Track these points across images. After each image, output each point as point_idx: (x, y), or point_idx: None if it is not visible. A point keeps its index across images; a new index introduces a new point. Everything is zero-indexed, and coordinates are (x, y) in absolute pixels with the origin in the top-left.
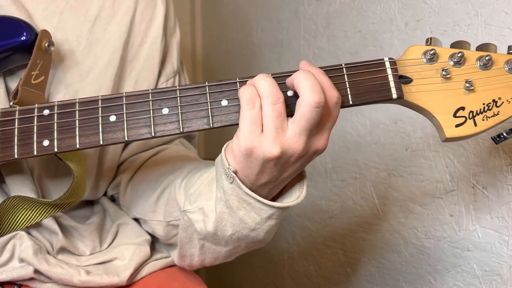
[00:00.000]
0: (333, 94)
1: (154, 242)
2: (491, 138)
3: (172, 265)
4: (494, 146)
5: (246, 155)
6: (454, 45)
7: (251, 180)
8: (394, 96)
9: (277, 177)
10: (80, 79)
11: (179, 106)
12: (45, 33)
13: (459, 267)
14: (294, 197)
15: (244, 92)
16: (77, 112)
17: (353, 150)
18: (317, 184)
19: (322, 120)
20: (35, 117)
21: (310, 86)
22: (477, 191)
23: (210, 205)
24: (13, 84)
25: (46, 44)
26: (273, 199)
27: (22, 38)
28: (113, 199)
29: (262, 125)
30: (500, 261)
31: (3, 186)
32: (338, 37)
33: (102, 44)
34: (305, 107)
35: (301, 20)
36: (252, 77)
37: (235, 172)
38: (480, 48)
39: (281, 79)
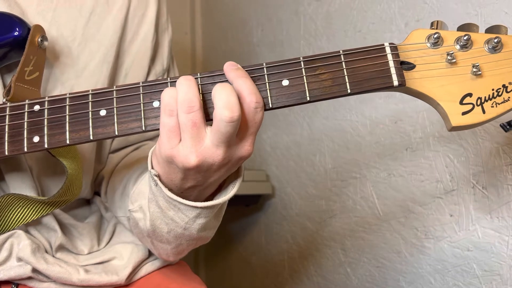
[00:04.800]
0: (251, 100)
1: None
2: (500, 125)
3: (170, 265)
4: (494, 146)
5: (168, 161)
6: (461, 28)
7: (177, 184)
8: (396, 83)
9: (203, 182)
10: (76, 74)
11: None
12: (38, 28)
13: (459, 267)
14: (227, 195)
15: (163, 97)
16: (67, 107)
17: (353, 150)
18: (317, 184)
19: (242, 128)
20: (26, 113)
21: (222, 102)
22: (477, 191)
23: (146, 204)
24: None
25: (39, 39)
26: (211, 196)
27: (15, 34)
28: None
29: (180, 133)
30: (500, 261)
31: (2, 184)
32: (338, 37)
33: (98, 40)
34: (219, 122)
35: (301, 20)
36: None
37: (158, 176)
38: (489, 30)
39: (210, 79)
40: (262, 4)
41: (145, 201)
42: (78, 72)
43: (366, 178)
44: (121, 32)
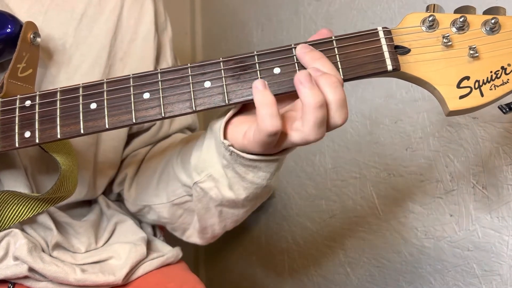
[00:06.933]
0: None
1: (150, 241)
2: (499, 107)
3: (168, 264)
4: (494, 146)
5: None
6: (458, 10)
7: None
8: (390, 68)
9: None
10: (67, 76)
11: (160, 90)
12: (30, 24)
13: (459, 267)
14: None
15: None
16: (58, 101)
17: (353, 150)
18: (317, 184)
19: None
20: (17, 108)
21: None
22: (477, 191)
23: (217, 171)
24: None
25: (32, 36)
26: None
27: (7, 31)
28: (118, 198)
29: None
30: (500, 261)
31: None
32: None
33: (89, 42)
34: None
35: (301, 20)
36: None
37: (232, 146)
38: (487, 12)
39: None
40: (262, 4)
41: (213, 169)
42: (70, 74)
43: (366, 178)
44: (115, 33)
